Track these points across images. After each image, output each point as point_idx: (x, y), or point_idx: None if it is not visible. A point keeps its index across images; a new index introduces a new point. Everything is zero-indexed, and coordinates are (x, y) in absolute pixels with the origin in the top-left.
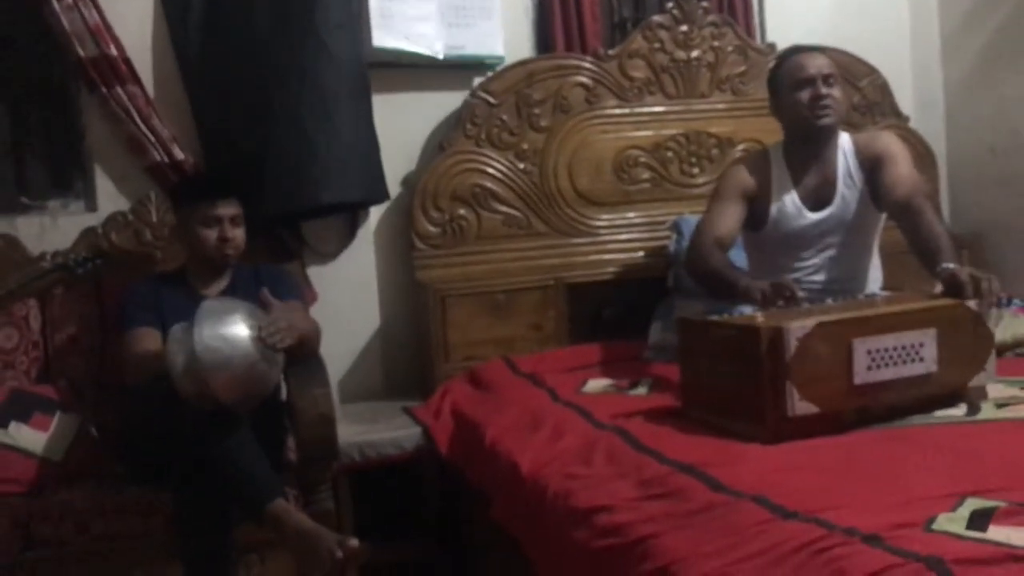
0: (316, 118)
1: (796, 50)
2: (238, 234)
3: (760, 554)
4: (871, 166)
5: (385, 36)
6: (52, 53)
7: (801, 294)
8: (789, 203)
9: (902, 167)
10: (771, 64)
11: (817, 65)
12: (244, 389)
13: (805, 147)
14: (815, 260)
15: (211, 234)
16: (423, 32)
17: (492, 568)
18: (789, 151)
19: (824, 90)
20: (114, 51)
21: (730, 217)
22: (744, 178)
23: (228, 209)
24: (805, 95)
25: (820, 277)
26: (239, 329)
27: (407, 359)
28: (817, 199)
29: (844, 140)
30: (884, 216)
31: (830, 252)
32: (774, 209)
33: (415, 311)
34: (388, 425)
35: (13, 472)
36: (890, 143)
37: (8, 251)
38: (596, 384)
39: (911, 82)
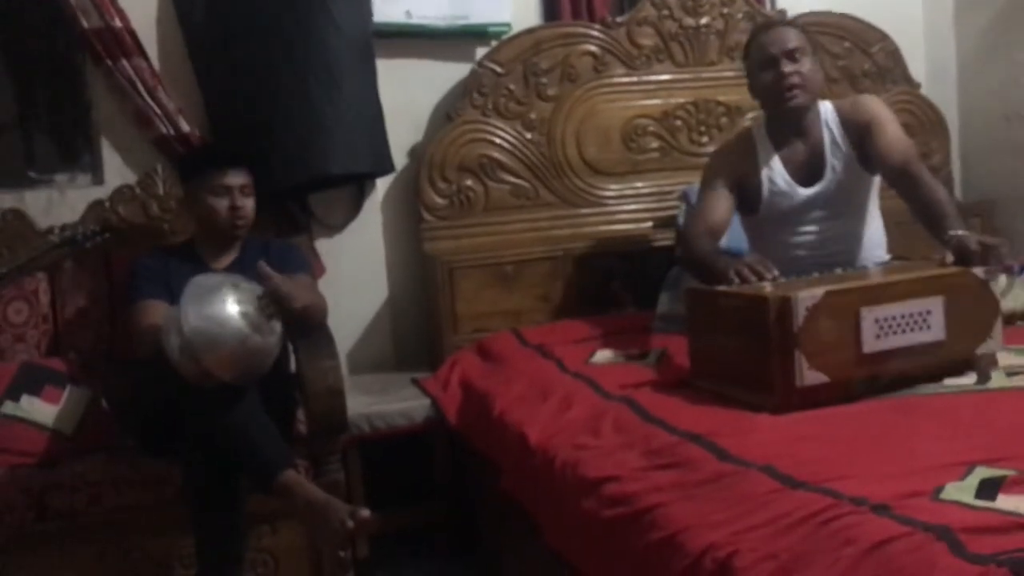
0: (322, 89)
1: (761, 28)
2: (248, 204)
3: (768, 524)
4: (859, 134)
5: (388, 7)
6: (58, 25)
7: (774, 273)
8: (780, 181)
9: (890, 131)
10: (744, 48)
11: (779, 42)
12: (240, 365)
13: (785, 124)
14: (814, 233)
15: (221, 204)
16: (429, 3)
17: (501, 537)
18: (771, 128)
19: (788, 68)
20: (119, 23)
21: (719, 206)
22: (729, 162)
23: (238, 179)
24: (769, 76)
25: (822, 249)
26: (228, 305)
27: (415, 331)
28: (807, 173)
29: (826, 110)
30: (877, 179)
31: (827, 223)
32: (765, 189)
33: (423, 283)
34: (397, 396)
35: (25, 444)
36: (874, 108)
37: (16, 225)
38: (604, 355)
39: (923, 48)
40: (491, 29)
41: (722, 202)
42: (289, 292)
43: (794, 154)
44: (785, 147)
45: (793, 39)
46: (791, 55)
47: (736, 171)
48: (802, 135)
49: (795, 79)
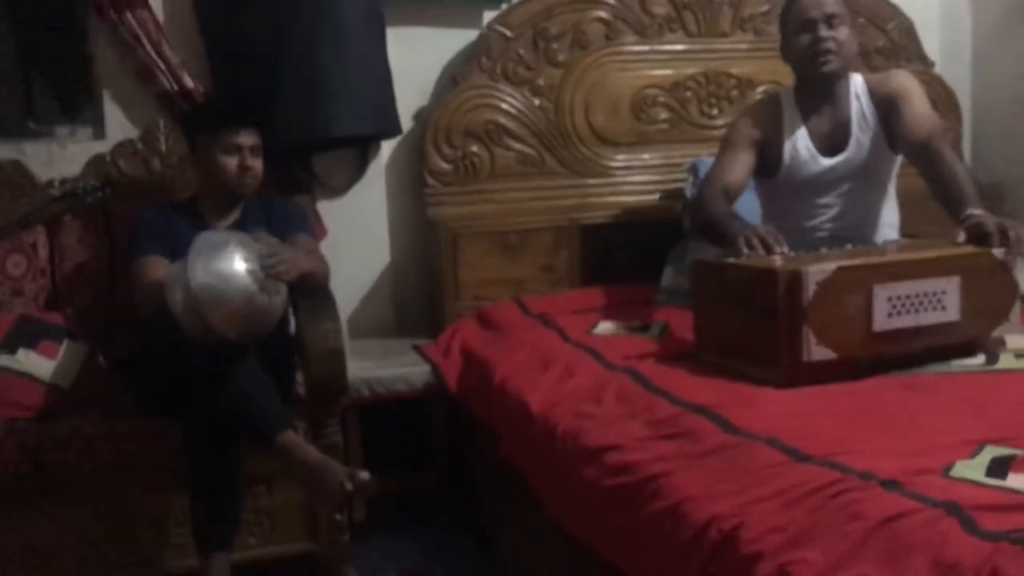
0: (329, 49)
1: None
2: (257, 164)
3: (774, 496)
4: (886, 107)
5: None
6: None
7: (784, 247)
8: (802, 148)
9: (918, 106)
10: (782, 9)
11: (819, 6)
12: (245, 322)
13: (816, 90)
14: (830, 206)
15: (231, 162)
16: None
17: (500, 505)
18: (800, 95)
19: (825, 32)
20: None
21: (739, 166)
22: (753, 127)
23: (249, 138)
24: (806, 39)
25: (836, 223)
26: (235, 263)
27: (416, 297)
28: (831, 144)
29: (857, 82)
30: (900, 158)
31: (845, 197)
32: (787, 155)
33: (426, 249)
34: (397, 362)
35: (21, 398)
36: (904, 81)
37: (16, 177)
38: (606, 326)
39: (938, 27)
40: None
41: (741, 163)
42: (286, 261)
43: (820, 123)
44: (812, 115)
45: (833, 4)
46: (829, 20)
47: (760, 134)
48: (831, 104)
49: (831, 44)
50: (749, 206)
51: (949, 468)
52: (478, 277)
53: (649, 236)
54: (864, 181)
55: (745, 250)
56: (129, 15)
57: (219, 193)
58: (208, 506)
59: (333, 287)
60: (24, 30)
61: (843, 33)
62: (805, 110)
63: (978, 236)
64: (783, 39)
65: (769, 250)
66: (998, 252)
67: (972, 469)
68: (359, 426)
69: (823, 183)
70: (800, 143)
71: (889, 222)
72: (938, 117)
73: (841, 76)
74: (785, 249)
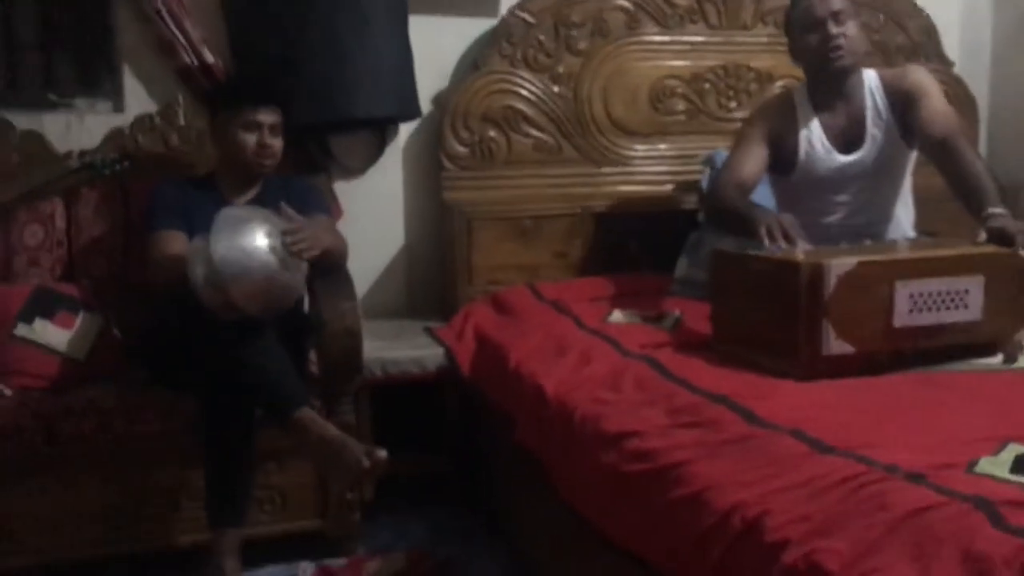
0: (351, 29)
1: None
2: (276, 143)
3: (798, 486)
4: (902, 103)
5: None
6: None
7: (803, 240)
8: (818, 145)
9: (936, 102)
10: (786, 10)
11: (825, 4)
12: (266, 298)
13: (828, 88)
14: (846, 202)
15: (251, 139)
16: None
17: (510, 488)
18: (813, 92)
19: (835, 30)
20: None
21: (752, 160)
22: (767, 122)
23: (269, 116)
24: (815, 38)
25: (853, 220)
26: (257, 238)
27: (430, 279)
28: (846, 140)
29: (870, 77)
30: (915, 153)
31: (861, 193)
32: (802, 152)
33: (441, 232)
34: (411, 343)
35: (37, 368)
36: (920, 77)
37: (34, 147)
38: (621, 315)
39: (959, 27)
40: None
41: (755, 157)
42: (307, 239)
43: (835, 119)
44: (826, 111)
45: (838, 1)
46: (837, 17)
47: (773, 129)
48: (844, 100)
49: (841, 40)
50: (764, 202)
51: (973, 464)
52: (492, 262)
53: (663, 226)
54: (880, 177)
55: (767, 240)
56: None
57: (237, 170)
58: (221, 481)
59: (348, 267)
60: (46, 2)
61: (851, 28)
62: (819, 107)
63: (1000, 238)
64: (791, 41)
65: (791, 241)
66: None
67: (996, 466)
68: (371, 407)
69: (839, 179)
70: (815, 139)
71: (904, 218)
72: (955, 113)
73: (854, 71)
74: (804, 243)
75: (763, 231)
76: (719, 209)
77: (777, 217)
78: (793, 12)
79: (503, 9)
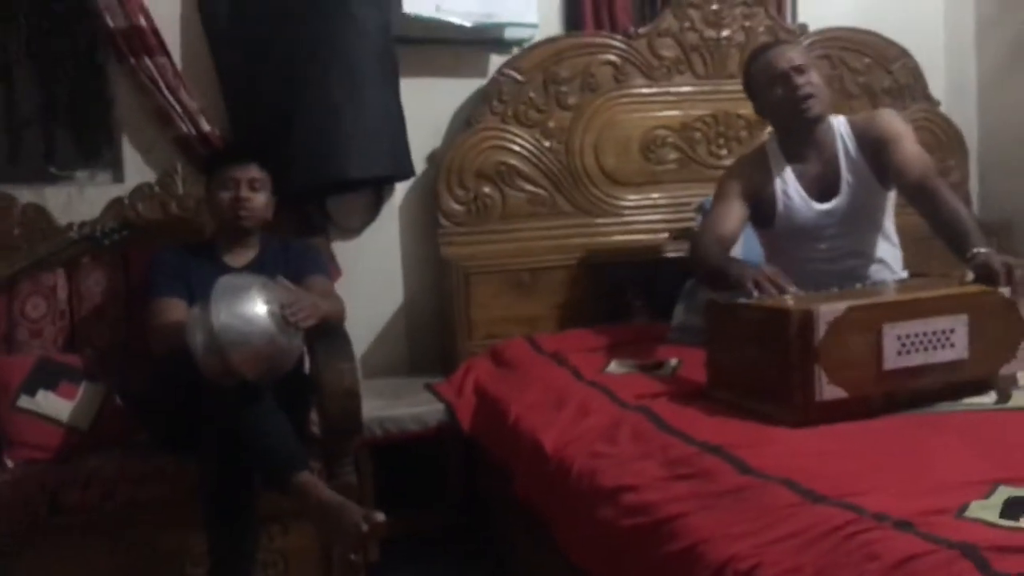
0: (344, 92)
1: (762, 48)
2: (255, 198)
3: (790, 537)
4: (873, 149)
5: (416, 3)
6: (81, 23)
7: (792, 287)
8: (794, 195)
9: (908, 146)
10: (743, 70)
11: (786, 58)
12: (266, 364)
13: (799, 139)
14: (829, 248)
15: (227, 196)
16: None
17: (513, 544)
18: (785, 144)
19: (799, 80)
20: (143, 22)
21: (731, 217)
22: (742, 176)
23: (245, 172)
24: (780, 91)
25: (838, 265)
26: (256, 305)
27: (430, 336)
28: (821, 188)
29: (840, 124)
30: (893, 194)
31: (843, 239)
32: (780, 203)
33: (439, 288)
34: (411, 401)
35: (40, 439)
36: (890, 122)
37: (36, 221)
38: (619, 365)
39: (944, 66)
40: (516, 31)
41: (734, 213)
42: (305, 308)
43: (809, 168)
44: (799, 161)
45: (799, 55)
46: (799, 69)
47: (750, 183)
48: (816, 149)
49: (808, 89)
50: (753, 251)
51: (964, 509)
52: (491, 316)
53: (659, 274)
54: (859, 220)
55: (755, 292)
56: (148, 61)
57: (227, 232)
58: (224, 547)
59: (347, 326)
60: (46, 75)
61: (814, 77)
62: (791, 157)
63: (986, 275)
64: (755, 99)
65: (781, 290)
66: (1005, 290)
67: (987, 510)
68: (372, 465)
69: (819, 227)
70: (791, 190)
71: (891, 258)
72: (927, 154)
73: (823, 120)
74: (794, 288)
75: (750, 285)
76: (702, 270)
77: (761, 270)
78: (752, 68)
79: (492, 69)
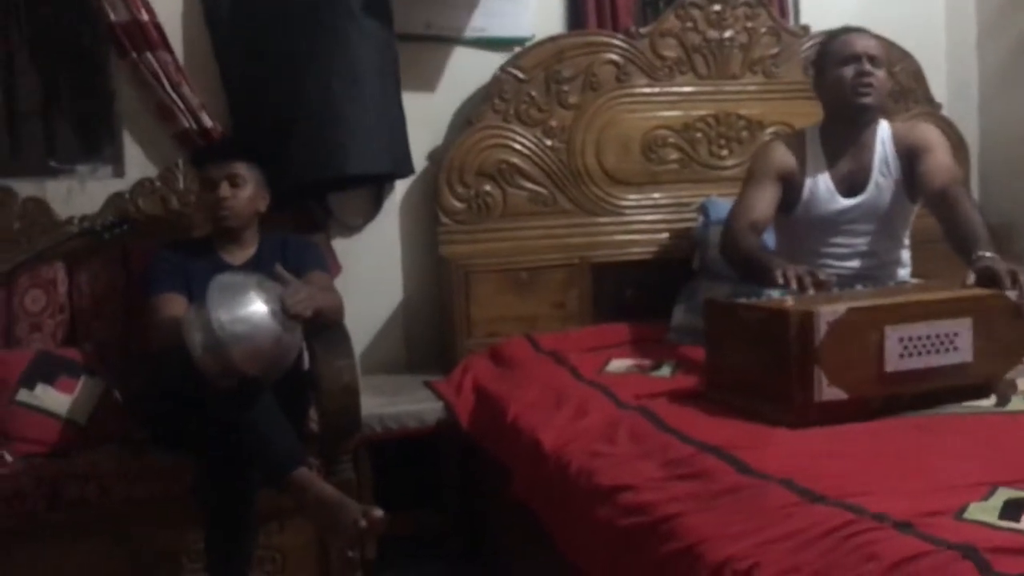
0: (345, 89)
1: (846, 29)
2: (233, 194)
3: (788, 537)
4: (909, 155)
5: (408, 18)
6: (83, 17)
7: (832, 280)
8: (822, 186)
9: (940, 157)
10: (819, 41)
11: (864, 44)
12: (267, 361)
13: (844, 129)
14: (844, 246)
15: (210, 197)
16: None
17: (511, 543)
18: (827, 133)
19: (868, 68)
20: (145, 16)
21: (765, 199)
22: (780, 157)
23: (222, 170)
24: (849, 71)
25: (848, 264)
26: (254, 304)
27: (429, 333)
28: (850, 185)
29: (883, 128)
30: (916, 207)
31: (860, 239)
32: (806, 191)
33: (438, 286)
34: (409, 398)
35: (39, 433)
36: (929, 133)
37: (36, 214)
38: (619, 364)
39: (945, 68)
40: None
41: (768, 196)
42: (304, 300)
43: (843, 162)
44: (836, 154)
45: (876, 47)
46: (873, 60)
47: (784, 167)
48: (856, 145)
49: (872, 79)
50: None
51: (963, 510)
52: (490, 314)
53: (659, 274)
54: (880, 225)
55: (794, 284)
56: (150, 55)
57: (218, 230)
58: (222, 543)
59: (346, 323)
60: (47, 69)
61: (882, 74)
62: (829, 149)
63: (988, 278)
64: (819, 73)
65: (819, 286)
66: (1011, 294)
67: (985, 511)
68: (370, 462)
69: (839, 222)
70: (821, 180)
71: (903, 265)
72: (958, 169)
73: (874, 116)
74: (834, 280)
75: (780, 277)
76: (734, 255)
77: (796, 267)
78: (830, 44)
79: (493, 68)
